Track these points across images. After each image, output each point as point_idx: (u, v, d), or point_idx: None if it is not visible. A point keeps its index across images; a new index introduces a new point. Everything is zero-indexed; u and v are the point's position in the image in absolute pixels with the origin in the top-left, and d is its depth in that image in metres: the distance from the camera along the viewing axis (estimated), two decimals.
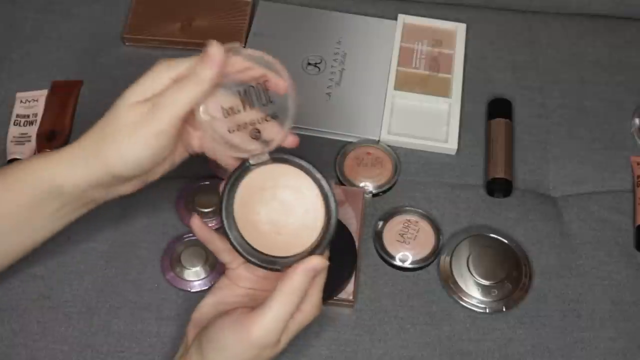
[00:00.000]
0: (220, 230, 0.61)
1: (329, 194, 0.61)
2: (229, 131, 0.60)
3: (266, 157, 0.61)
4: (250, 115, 0.60)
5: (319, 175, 0.61)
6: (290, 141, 0.62)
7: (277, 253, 0.61)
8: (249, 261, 0.60)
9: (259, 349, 0.59)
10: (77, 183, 0.62)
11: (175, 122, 0.59)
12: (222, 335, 0.59)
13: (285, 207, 0.61)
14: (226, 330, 0.59)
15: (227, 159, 0.64)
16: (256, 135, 0.61)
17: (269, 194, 0.61)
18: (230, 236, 0.60)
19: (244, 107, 0.60)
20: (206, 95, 0.59)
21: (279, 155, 0.61)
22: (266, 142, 0.61)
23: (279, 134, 0.61)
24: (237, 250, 0.60)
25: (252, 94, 0.60)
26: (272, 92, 0.60)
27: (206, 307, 0.65)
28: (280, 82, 0.60)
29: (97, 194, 0.64)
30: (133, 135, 0.59)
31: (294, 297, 0.58)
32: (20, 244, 0.66)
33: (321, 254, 0.60)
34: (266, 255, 0.60)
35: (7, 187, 0.64)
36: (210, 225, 0.81)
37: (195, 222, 0.64)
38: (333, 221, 0.61)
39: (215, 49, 0.58)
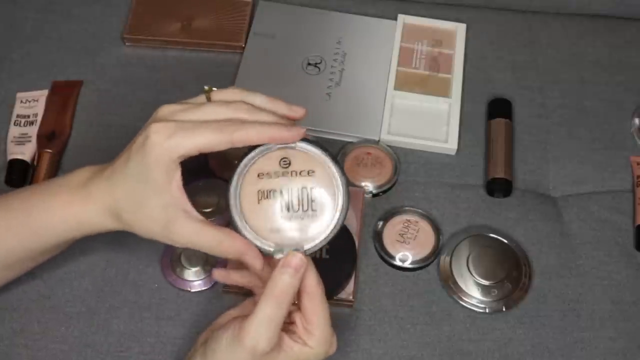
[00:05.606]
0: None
1: (342, 186, 0.59)
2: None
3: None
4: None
5: (335, 168, 0.59)
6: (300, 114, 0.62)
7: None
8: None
9: (252, 356, 0.58)
10: (94, 230, 0.65)
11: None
12: (218, 345, 0.59)
13: (298, 196, 0.60)
14: (222, 340, 0.59)
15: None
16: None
17: (280, 181, 0.60)
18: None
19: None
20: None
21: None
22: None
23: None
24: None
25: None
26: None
27: (227, 317, 0.65)
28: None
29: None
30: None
31: (278, 298, 0.58)
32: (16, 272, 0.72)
33: (323, 244, 0.60)
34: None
35: (32, 231, 0.66)
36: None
37: (219, 274, 0.67)
38: (340, 215, 0.60)
39: None
